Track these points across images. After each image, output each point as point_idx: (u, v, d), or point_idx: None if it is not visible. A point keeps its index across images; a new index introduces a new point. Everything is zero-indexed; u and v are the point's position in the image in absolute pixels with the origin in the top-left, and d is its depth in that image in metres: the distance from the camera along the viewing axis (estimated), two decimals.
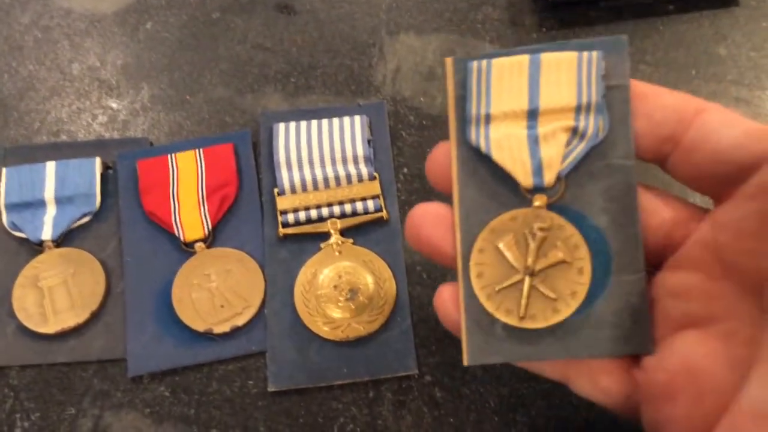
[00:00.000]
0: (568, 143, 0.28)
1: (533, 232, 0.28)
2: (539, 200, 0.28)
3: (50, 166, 0.41)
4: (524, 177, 0.28)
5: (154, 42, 0.47)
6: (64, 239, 0.40)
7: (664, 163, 0.24)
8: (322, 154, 0.41)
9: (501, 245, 0.28)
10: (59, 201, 0.41)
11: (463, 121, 0.28)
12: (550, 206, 0.28)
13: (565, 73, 0.28)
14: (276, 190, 0.41)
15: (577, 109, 0.28)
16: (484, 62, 0.28)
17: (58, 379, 0.37)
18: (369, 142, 0.42)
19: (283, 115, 0.43)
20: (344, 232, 0.40)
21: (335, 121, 0.42)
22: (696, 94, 0.43)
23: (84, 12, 0.48)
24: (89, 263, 0.39)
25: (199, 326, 0.37)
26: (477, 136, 0.28)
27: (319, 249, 0.40)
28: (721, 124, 0.22)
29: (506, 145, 0.28)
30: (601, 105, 0.27)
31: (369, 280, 0.39)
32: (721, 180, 0.23)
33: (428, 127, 0.43)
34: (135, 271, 0.39)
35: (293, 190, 0.41)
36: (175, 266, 0.39)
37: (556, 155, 0.27)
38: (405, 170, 0.42)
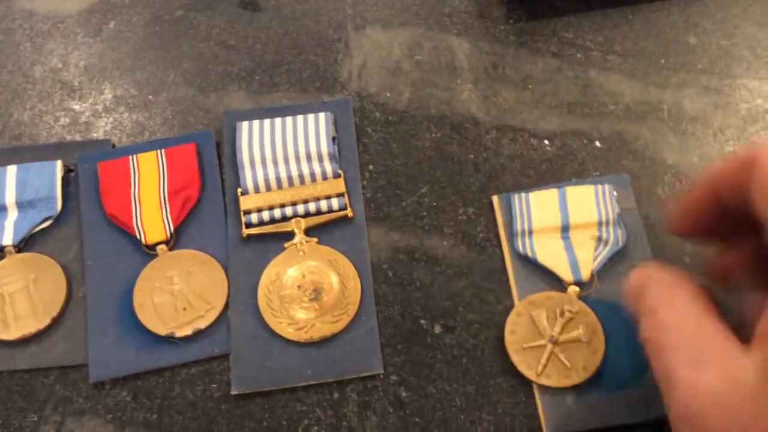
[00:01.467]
0: (596, 248, 0.37)
1: (563, 311, 0.36)
2: (573, 289, 0.37)
3: (11, 170, 0.41)
4: (566, 274, 0.37)
5: (117, 41, 0.46)
6: (25, 244, 0.40)
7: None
8: (285, 152, 0.41)
9: (534, 313, 0.36)
10: (20, 205, 0.40)
11: (512, 236, 0.39)
12: (586, 299, 0.36)
13: (585, 198, 0.38)
14: (239, 190, 0.40)
15: (599, 224, 0.38)
16: (523, 194, 0.39)
17: (20, 385, 0.37)
18: (334, 139, 0.41)
19: (246, 114, 0.43)
20: (309, 231, 0.39)
21: (299, 118, 0.42)
22: (666, 84, 0.43)
23: (47, 13, 0.48)
24: (50, 268, 0.39)
25: (161, 330, 0.37)
26: (523, 245, 0.38)
27: (283, 249, 0.39)
28: None
29: (549, 251, 0.37)
30: (617, 220, 0.38)
31: (334, 279, 0.38)
32: None
33: (394, 123, 0.43)
34: (96, 274, 0.39)
35: (257, 190, 0.40)
36: (137, 269, 0.38)
37: (588, 257, 0.37)
38: (371, 167, 0.41)
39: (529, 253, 0.38)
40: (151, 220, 0.39)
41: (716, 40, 0.45)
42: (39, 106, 0.44)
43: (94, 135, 0.43)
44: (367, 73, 0.44)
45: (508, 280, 0.38)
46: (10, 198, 0.40)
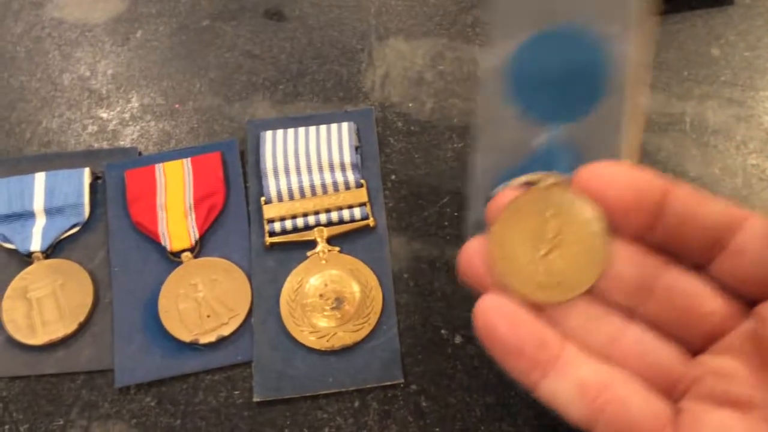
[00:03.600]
0: None
1: None
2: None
3: (39, 177, 0.42)
4: None
5: (144, 51, 0.47)
6: (53, 250, 0.41)
7: (708, 266, 0.25)
8: (309, 161, 0.41)
9: None
10: (48, 212, 0.41)
11: None
12: None
13: None
14: (263, 199, 0.41)
15: None
16: None
17: (47, 390, 0.38)
18: (356, 149, 0.42)
19: (270, 123, 0.43)
20: (331, 240, 0.40)
21: (322, 128, 0.42)
22: (688, 96, 0.43)
23: (75, 22, 0.49)
24: (77, 274, 0.40)
25: (185, 336, 0.37)
26: None
27: (306, 258, 0.39)
28: (765, 233, 0.24)
29: None
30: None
31: (355, 288, 0.38)
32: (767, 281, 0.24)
33: (416, 133, 0.43)
34: (122, 281, 0.39)
35: (280, 199, 0.40)
36: (162, 276, 0.39)
37: None
38: (393, 177, 0.42)
39: None
40: (177, 228, 0.40)
41: (739, 52, 0.45)
42: (67, 114, 0.45)
43: (122, 143, 0.44)
44: (389, 83, 0.45)
45: None
46: (38, 204, 0.41)
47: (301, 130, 0.42)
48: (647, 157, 0.41)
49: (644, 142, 0.42)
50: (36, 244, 0.40)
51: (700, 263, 0.25)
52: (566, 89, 0.29)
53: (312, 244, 0.40)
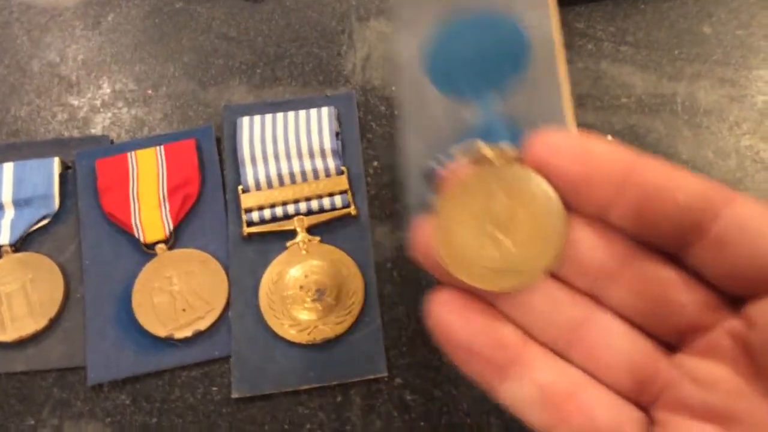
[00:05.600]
0: None
1: None
2: None
3: (7, 168, 0.40)
4: None
5: (115, 35, 0.45)
6: (22, 243, 0.39)
7: (684, 254, 0.21)
8: (287, 148, 0.40)
9: None
10: (17, 203, 0.39)
11: None
12: None
13: None
14: (240, 188, 0.39)
15: None
16: None
17: (17, 388, 0.36)
18: (337, 134, 0.40)
19: (247, 109, 0.42)
20: (311, 230, 0.38)
21: (301, 113, 0.41)
22: (680, 76, 0.42)
23: (44, 6, 0.47)
24: (48, 268, 0.38)
25: (160, 331, 0.36)
26: None
27: (285, 248, 0.38)
28: (755, 218, 0.20)
29: None
30: None
31: (337, 279, 0.37)
32: (755, 277, 0.20)
33: (399, 117, 0.41)
34: (95, 275, 0.38)
35: (258, 187, 0.39)
36: (135, 269, 0.38)
37: None
38: (375, 163, 0.40)
39: None
40: (150, 219, 0.38)
41: (732, 30, 0.43)
42: (36, 102, 0.43)
43: (93, 131, 0.42)
44: (371, 66, 0.43)
45: None
46: (6, 196, 0.39)
47: (280, 115, 0.41)
48: (638, 140, 0.40)
49: (635, 124, 0.40)
50: (4, 237, 0.39)
51: (674, 251, 0.21)
52: (487, 64, 0.28)
53: (292, 233, 0.38)
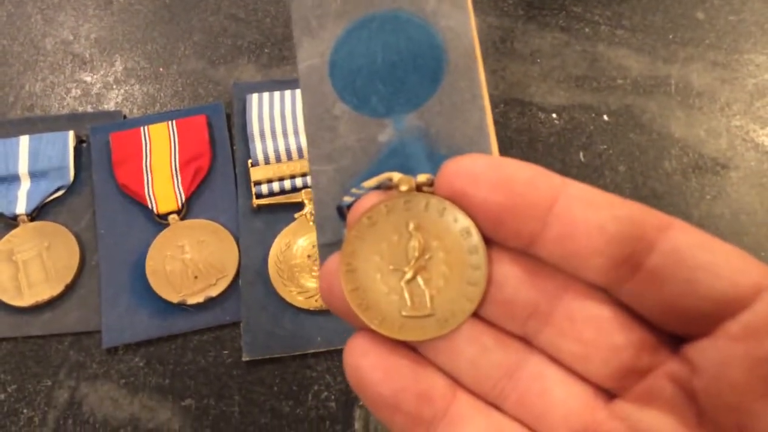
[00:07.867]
0: None
1: None
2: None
3: (23, 141, 0.41)
4: None
5: (127, 14, 0.47)
6: (38, 213, 0.40)
7: (617, 290, 0.19)
8: (295, 124, 0.41)
9: None
10: (33, 175, 0.41)
11: None
12: None
13: None
14: (250, 162, 0.40)
15: None
16: None
17: (34, 351, 0.38)
18: None
19: (256, 86, 0.43)
20: None
21: None
22: (674, 59, 0.43)
23: None
24: (63, 236, 0.39)
25: (173, 297, 0.37)
26: None
27: (293, 219, 0.39)
28: (694, 248, 0.18)
29: None
30: None
31: None
32: (695, 315, 0.18)
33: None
34: (109, 243, 0.39)
35: (267, 161, 0.40)
36: (149, 238, 0.39)
37: None
38: None
39: None
40: (163, 190, 0.40)
41: (724, 15, 0.45)
42: (50, 78, 0.45)
43: (106, 107, 0.44)
44: None
45: None
46: (23, 167, 0.41)
47: (288, 92, 0.42)
48: (633, 119, 0.41)
49: (630, 105, 0.42)
50: (21, 207, 0.40)
51: (607, 287, 0.19)
52: (398, 75, 0.25)
53: (299, 205, 0.40)
